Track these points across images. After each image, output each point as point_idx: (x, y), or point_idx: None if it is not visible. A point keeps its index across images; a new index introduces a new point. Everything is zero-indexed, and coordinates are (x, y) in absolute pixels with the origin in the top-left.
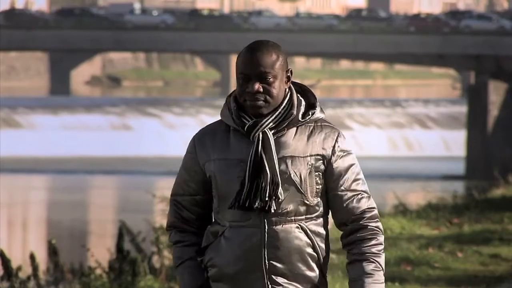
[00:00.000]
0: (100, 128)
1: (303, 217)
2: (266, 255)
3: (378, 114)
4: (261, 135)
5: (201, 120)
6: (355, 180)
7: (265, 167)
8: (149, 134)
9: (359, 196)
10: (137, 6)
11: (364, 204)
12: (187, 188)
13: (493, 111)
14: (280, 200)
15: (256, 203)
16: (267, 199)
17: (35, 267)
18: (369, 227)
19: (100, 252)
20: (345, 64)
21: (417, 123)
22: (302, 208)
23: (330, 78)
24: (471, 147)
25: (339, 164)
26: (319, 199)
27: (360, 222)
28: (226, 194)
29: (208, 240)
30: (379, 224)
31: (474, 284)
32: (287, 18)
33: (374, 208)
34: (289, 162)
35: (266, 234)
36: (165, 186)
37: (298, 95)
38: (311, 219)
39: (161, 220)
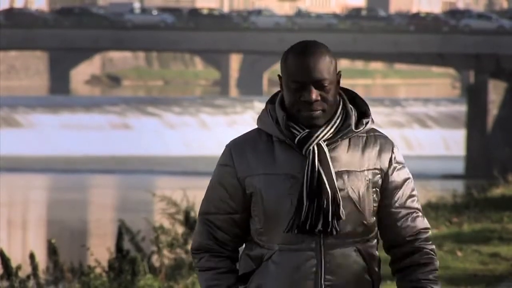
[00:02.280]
0: (100, 127)
1: (360, 238)
2: (323, 282)
3: (378, 113)
4: (316, 148)
5: (201, 119)
6: (410, 196)
7: (325, 184)
8: (149, 133)
9: (414, 215)
10: (136, 5)
11: (420, 223)
12: (223, 206)
13: (493, 110)
14: (341, 221)
15: (319, 225)
16: (329, 220)
17: (34, 267)
18: (425, 250)
19: (100, 251)
20: (344, 63)
21: (417, 122)
22: (360, 229)
23: None
24: (470, 146)
25: (395, 178)
26: (374, 218)
27: (415, 244)
28: (274, 213)
29: (249, 266)
30: (434, 247)
31: (474, 283)
32: (286, 17)
33: (429, 228)
34: (345, 177)
35: (322, 259)
36: (165, 185)
37: (348, 101)
38: (367, 240)
39: (161, 219)
